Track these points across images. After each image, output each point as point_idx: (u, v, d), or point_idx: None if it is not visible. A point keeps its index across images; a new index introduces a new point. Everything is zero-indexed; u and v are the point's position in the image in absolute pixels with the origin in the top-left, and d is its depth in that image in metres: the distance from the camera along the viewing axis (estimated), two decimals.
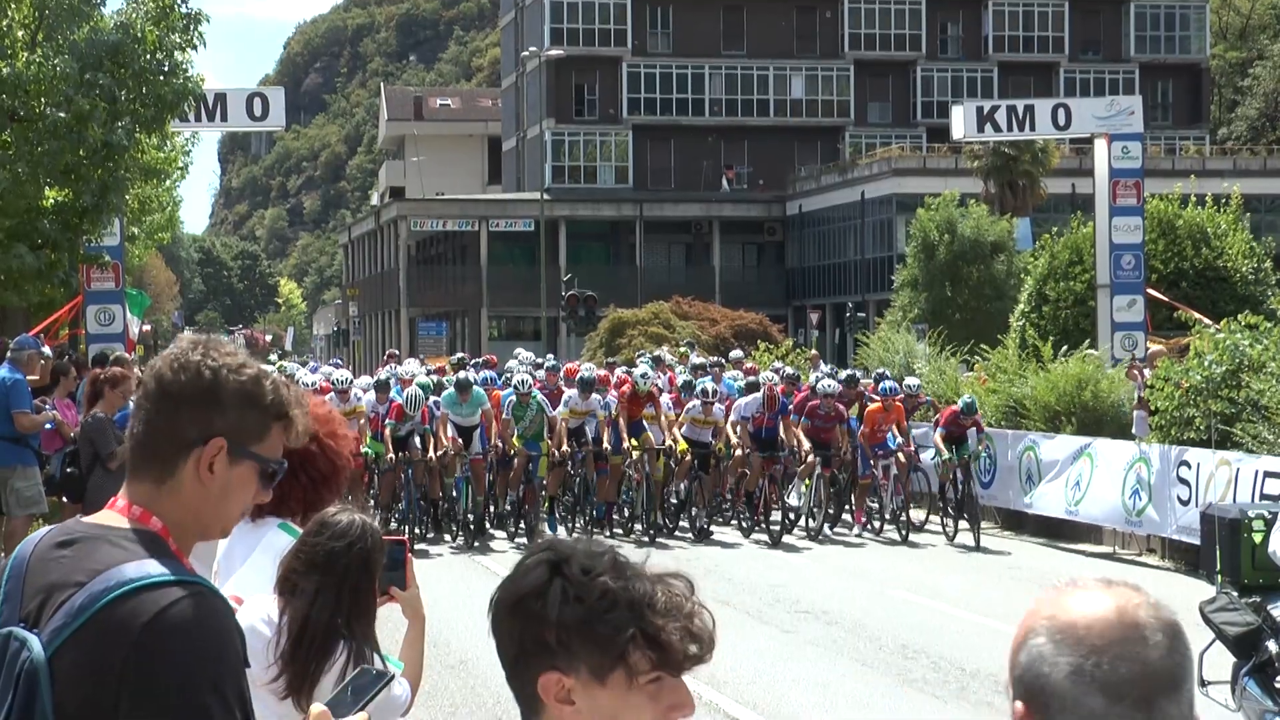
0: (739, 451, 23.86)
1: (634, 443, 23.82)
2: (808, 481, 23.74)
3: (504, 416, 23.30)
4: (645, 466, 23.66)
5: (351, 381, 25.26)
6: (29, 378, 16.60)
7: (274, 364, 34.91)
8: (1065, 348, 27.42)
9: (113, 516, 3.08)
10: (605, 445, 23.80)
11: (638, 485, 24.08)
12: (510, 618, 2.56)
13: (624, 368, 30.16)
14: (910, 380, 26.20)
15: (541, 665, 2.50)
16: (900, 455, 23.97)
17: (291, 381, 3.47)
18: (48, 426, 16.93)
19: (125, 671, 2.87)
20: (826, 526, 24.15)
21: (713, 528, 24.06)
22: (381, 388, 24.32)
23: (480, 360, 31.00)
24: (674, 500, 24.30)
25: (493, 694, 13.12)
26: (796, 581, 19.52)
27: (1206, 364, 21.04)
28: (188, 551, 3.12)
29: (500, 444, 23.58)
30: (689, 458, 23.60)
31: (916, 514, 24.47)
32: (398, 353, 45.55)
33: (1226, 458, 19.51)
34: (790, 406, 24.32)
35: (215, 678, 2.91)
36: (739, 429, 23.83)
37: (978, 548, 22.58)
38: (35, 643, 2.90)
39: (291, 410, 3.20)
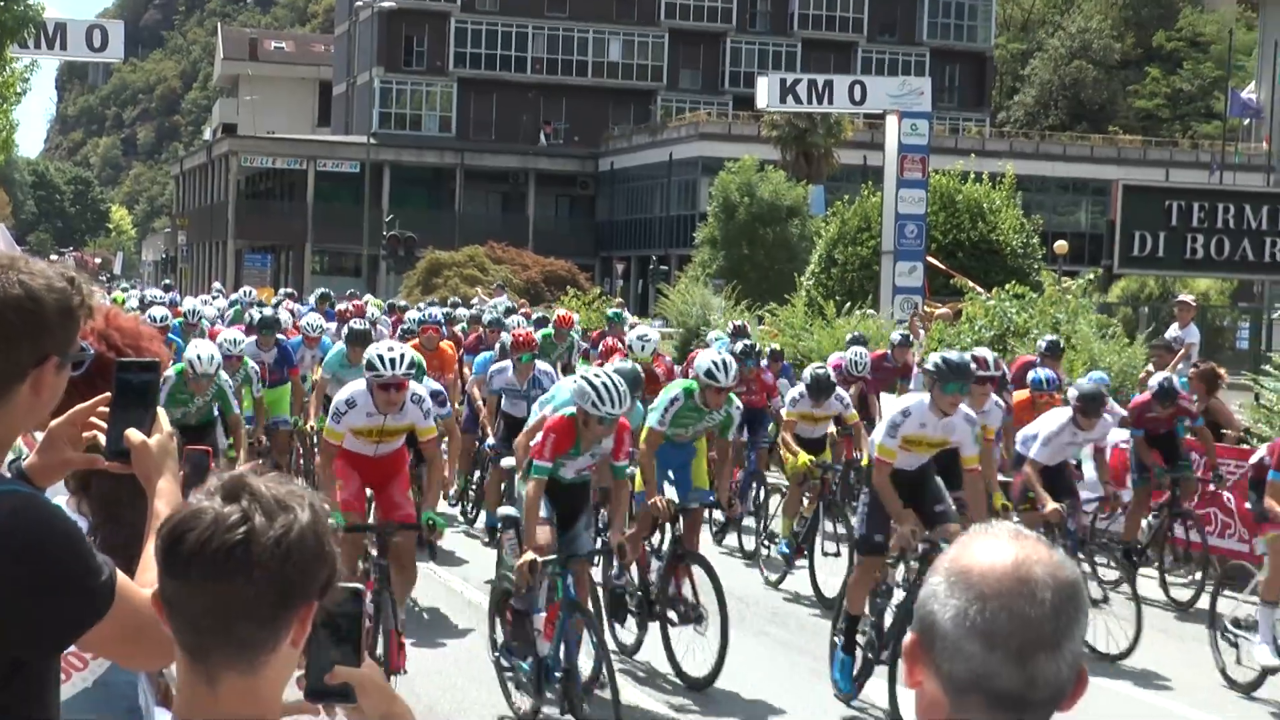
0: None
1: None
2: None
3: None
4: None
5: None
6: None
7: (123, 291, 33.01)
8: (849, 305, 27.83)
9: None
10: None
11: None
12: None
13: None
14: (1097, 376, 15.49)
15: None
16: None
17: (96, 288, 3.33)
18: None
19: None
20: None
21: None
22: (267, 325, 17.72)
23: (325, 304, 26.51)
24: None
25: None
26: None
27: (977, 328, 21.52)
28: (1, 462, 3.07)
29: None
30: (821, 477, 14.60)
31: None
32: (221, 287, 44.24)
33: None
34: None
35: (85, 549, 2.92)
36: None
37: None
38: None
39: (91, 301, 3.15)
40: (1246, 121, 71.49)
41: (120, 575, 2.98)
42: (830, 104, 35.37)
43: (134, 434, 3.23)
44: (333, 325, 22.28)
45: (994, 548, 2.19)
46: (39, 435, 4.43)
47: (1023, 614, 2.13)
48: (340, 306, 26.74)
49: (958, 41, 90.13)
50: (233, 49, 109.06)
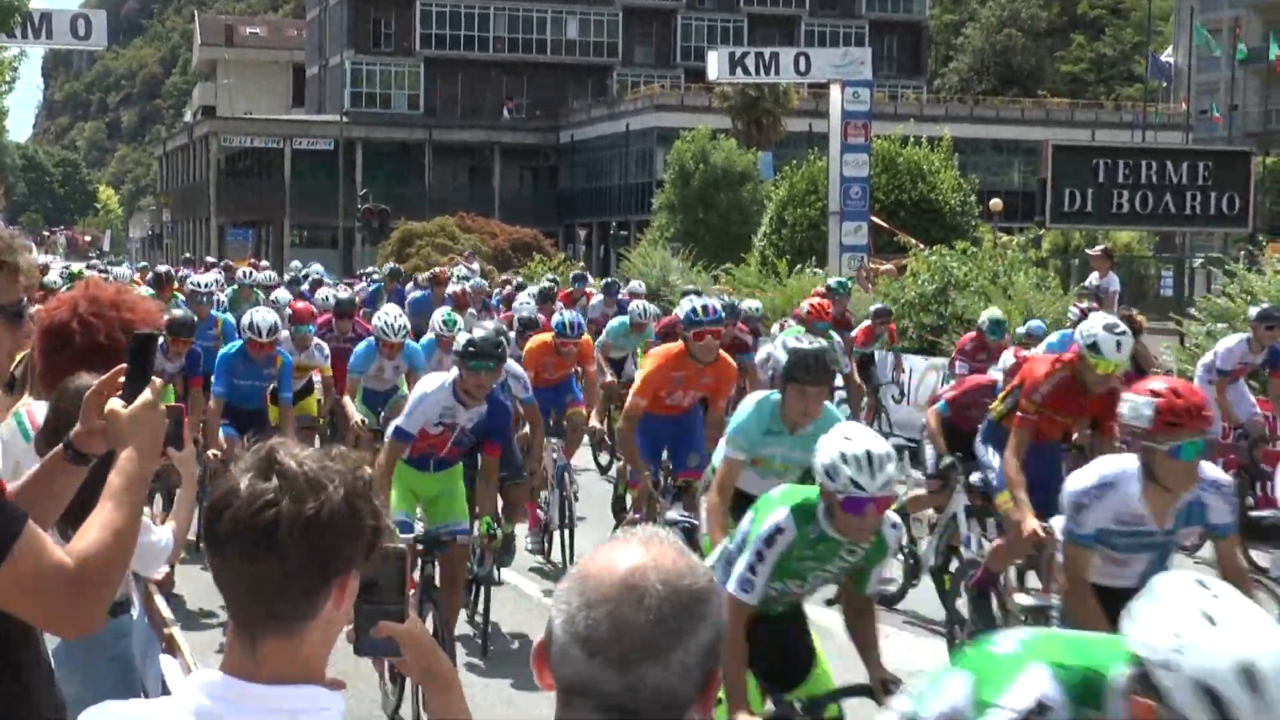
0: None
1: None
2: None
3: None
4: None
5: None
6: None
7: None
8: (798, 264, 27.86)
9: None
10: None
11: None
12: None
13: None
14: None
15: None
16: None
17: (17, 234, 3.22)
18: None
19: None
20: None
21: None
22: (343, 309, 13.12)
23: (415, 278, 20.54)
24: None
25: None
26: None
27: (920, 282, 21.55)
28: None
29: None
30: None
31: None
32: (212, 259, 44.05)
33: (934, 363, 19.98)
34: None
35: None
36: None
37: None
38: None
39: (13, 257, 3.06)
40: (1165, 84, 71.70)
41: (32, 528, 2.80)
42: (777, 75, 35.30)
43: (114, 402, 3.08)
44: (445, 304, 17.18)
45: (619, 554, 2.04)
46: (39, 408, 4.31)
47: (626, 622, 1.98)
48: (458, 288, 19.46)
49: (894, 13, 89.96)
50: (210, 35, 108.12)
